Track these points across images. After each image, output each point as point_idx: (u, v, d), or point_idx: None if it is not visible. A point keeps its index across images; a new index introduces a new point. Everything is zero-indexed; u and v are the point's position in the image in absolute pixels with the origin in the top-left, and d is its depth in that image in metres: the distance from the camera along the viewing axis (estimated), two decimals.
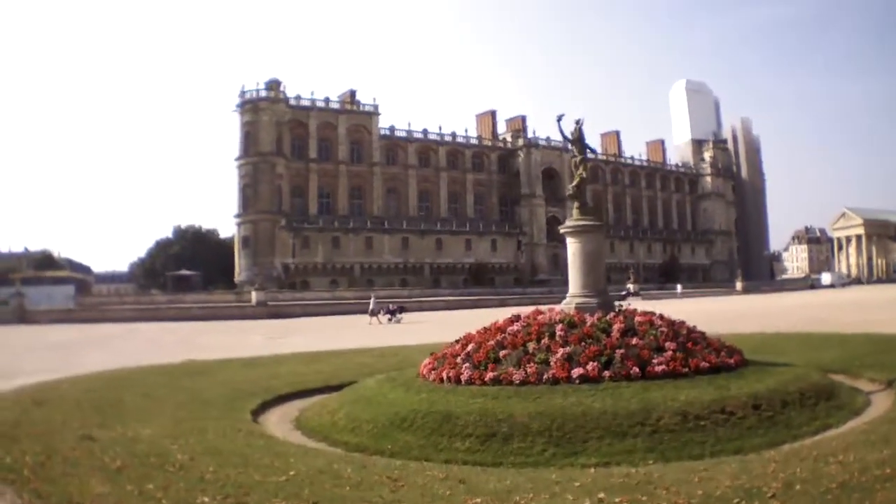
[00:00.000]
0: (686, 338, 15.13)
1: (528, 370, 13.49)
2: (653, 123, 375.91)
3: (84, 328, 54.91)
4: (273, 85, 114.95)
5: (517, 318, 16.54)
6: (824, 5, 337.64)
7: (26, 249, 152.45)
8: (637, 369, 13.39)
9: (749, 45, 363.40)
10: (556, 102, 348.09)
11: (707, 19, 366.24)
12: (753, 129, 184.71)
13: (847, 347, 21.92)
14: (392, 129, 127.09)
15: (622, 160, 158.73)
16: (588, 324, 15.11)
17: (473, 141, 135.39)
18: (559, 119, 18.44)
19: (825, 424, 12.44)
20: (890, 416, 12.55)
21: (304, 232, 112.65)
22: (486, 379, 13.70)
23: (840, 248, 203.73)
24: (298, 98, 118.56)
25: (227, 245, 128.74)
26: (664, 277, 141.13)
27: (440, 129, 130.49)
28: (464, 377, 14.02)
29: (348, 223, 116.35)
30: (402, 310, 58.62)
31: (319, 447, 12.21)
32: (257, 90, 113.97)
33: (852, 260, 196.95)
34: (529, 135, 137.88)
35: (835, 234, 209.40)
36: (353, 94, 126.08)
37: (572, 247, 17.70)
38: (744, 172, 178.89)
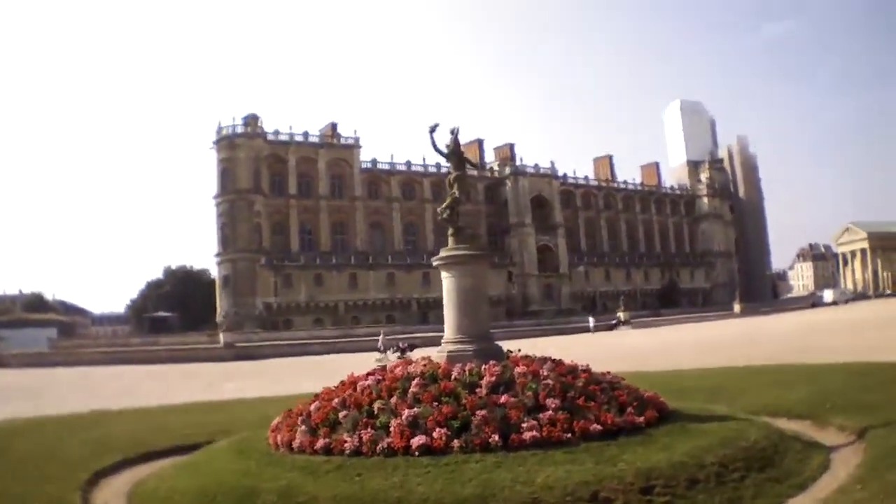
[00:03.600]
0: (580, 392, 11.93)
1: (363, 437, 10.95)
2: (647, 147, 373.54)
3: (41, 372, 53.52)
4: (251, 120, 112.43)
5: (382, 368, 14.10)
6: (820, 22, 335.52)
7: (20, 291, 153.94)
8: (497, 437, 10.45)
9: (745, 64, 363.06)
10: (546, 128, 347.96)
11: (701, 39, 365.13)
12: (750, 146, 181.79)
13: (820, 383, 18.38)
14: (374, 161, 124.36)
15: (615, 185, 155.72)
16: (452, 377, 12.37)
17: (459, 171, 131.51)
18: (432, 130, 15.36)
19: None
20: (846, 492, 9.07)
21: (285, 270, 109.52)
22: (316, 447, 11.31)
23: (845, 263, 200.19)
24: (277, 133, 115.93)
25: (215, 285, 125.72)
26: (663, 303, 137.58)
27: (424, 160, 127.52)
28: (295, 443, 11.74)
29: (331, 260, 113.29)
30: (412, 347, 55.05)
31: None
32: (233, 126, 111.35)
33: (858, 275, 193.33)
34: (519, 162, 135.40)
35: (839, 250, 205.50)
36: (334, 126, 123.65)
37: (446, 282, 14.74)
38: (742, 192, 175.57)
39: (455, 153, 15.45)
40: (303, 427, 12.03)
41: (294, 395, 24.48)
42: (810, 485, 9.80)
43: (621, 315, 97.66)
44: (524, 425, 10.65)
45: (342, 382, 13.84)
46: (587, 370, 13.48)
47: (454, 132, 15.41)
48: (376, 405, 11.84)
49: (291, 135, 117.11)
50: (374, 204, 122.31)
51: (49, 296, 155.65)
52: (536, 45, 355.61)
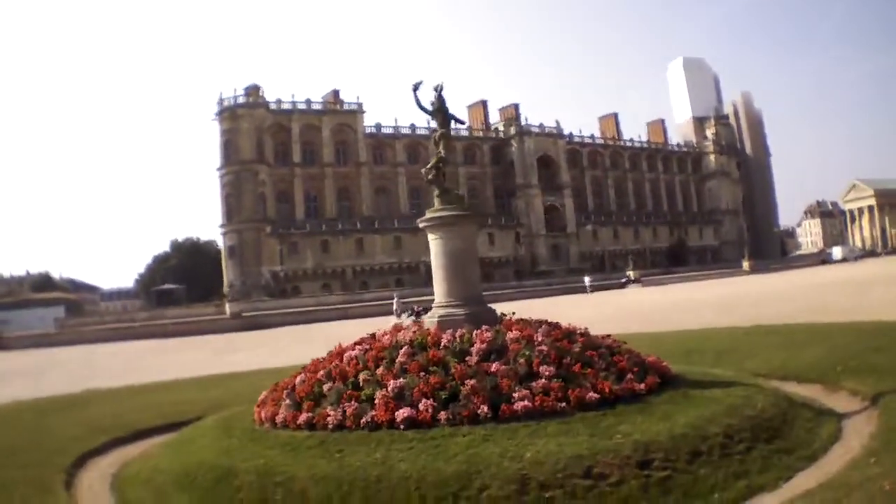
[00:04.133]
0: (577, 358, 11.28)
1: (347, 410, 10.48)
2: (653, 104, 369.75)
3: (47, 352, 53.29)
4: (252, 90, 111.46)
5: (371, 337, 13.52)
6: None
7: (27, 272, 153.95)
8: (486, 408, 9.92)
9: (748, 19, 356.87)
10: (551, 87, 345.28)
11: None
12: (755, 103, 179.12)
13: (831, 344, 17.60)
14: (378, 126, 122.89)
15: (621, 143, 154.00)
16: (442, 345, 11.77)
17: (464, 133, 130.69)
18: (416, 88, 14.70)
19: (750, 489, 8.20)
20: (858, 467, 8.45)
21: (291, 238, 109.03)
22: (299, 422, 10.88)
23: (853, 220, 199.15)
24: (279, 102, 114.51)
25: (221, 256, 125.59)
26: (672, 261, 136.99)
27: (428, 122, 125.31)
28: (279, 418, 11.27)
29: (337, 226, 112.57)
30: (426, 310, 54.83)
31: None
32: (235, 97, 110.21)
33: (866, 232, 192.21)
34: (524, 122, 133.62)
35: (846, 207, 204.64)
36: (336, 93, 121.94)
37: (433, 245, 14.13)
38: (748, 148, 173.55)
39: (440, 110, 14.75)
40: (287, 401, 11.55)
41: (292, 366, 24.07)
42: (821, 457, 9.24)
43: (631, 273, 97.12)
44: (515, 395, 10.10)
45: (330, 353, 13.32)
46: (585, 334, 12.86)
47: (438, 89, 14.74)
48: (361, 376, 11.31)
49: (294, 103, 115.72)
50: (380, 169, 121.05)
51: (57, 275, 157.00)
52: (540, 4, 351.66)
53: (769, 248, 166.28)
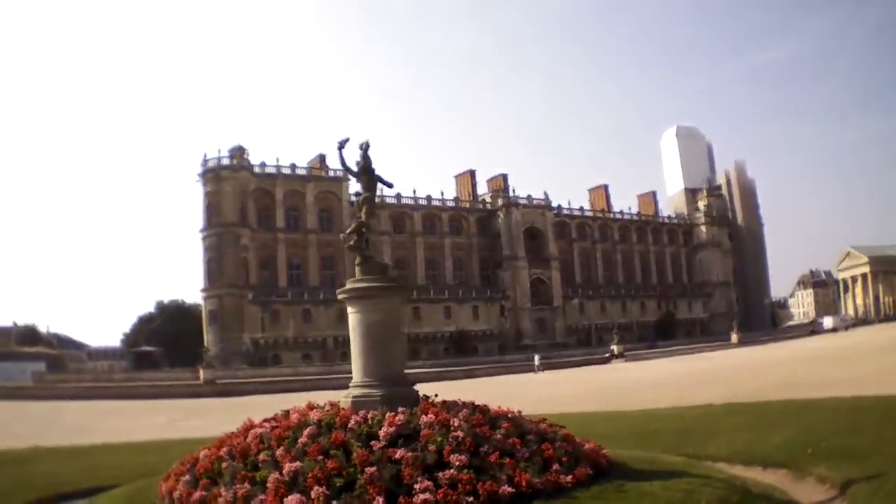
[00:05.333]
0: (497, 446, 10.15)
1: (238, 493, 9.57)
2: (645, 175, 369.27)
3: (17, 405, 52.56)
4: (237, 152, 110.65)
5: (285, 414, 12.58)
6: (819, 49, 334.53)
7: (14, 323, 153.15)
8: (382, 499, 8.88)
9: (744, 91, 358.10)
10: (541, 158, 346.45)
11: (699, 65, 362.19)
12: (749, 171, 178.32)
13: (804, 424, 16.65)
14: None
15: (611, 215, 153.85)
16: (348, 426, 10.81)
17: (451, 203, 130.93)
18: (342, 146, 14.03)
19: None
20: None
21: (272, 305, 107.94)
22: (192, 499, 10.11)
23: (846, 289, 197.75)
24: (263, 165, 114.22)
25: None
26: (660, 335, 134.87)
27: (414, 192, 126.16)
28: (175, 494, 10.61)
29: (319, 295, 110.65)
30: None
31: None
32: (219, 158, 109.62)
33: (859, 300, 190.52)
34: (512, 193, 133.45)
35: (840, 276, 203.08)
36: (322, 158, 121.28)
37: (351, 319, 13.32)
38: (740, 218, 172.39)
39: (365, 171, 14.15)
40: (187, 476, 10.85)
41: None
42: None
43: (615, 348, 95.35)
44: (417, 486, 8.97)
45: (239, 428, 12.53)
46: (513, 419, 11.66)
47: (363, 147, 14.14)
48: (261, 456, 10.42)
49: (278, 167, 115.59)
50: None
51: (44, 329, 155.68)
52: (531, 75, 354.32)
53: (760, 320, 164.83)
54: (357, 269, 13.54)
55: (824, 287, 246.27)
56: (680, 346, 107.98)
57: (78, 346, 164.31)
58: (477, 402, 12.45)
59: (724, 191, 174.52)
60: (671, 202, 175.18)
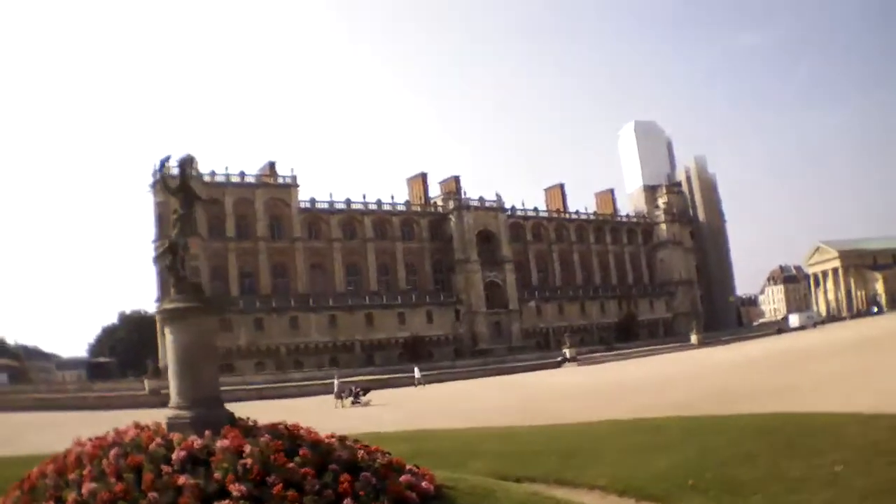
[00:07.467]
0: (285, 475, 9.42)
1: None
2: (604, 173, 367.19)
3: None
4: (186, 161, 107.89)
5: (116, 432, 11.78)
6: (784, 38, 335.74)
7: None
8: None
9: (702, 82, 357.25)
10: (495, 159, 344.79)
11: (656, 57, 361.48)
12: (709, 167, 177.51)
13: (701, 447, 15.75)
14: (313, 201, 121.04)
15: (567, 216, 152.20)
16: (150, 448, 10.39)
17: (402, 207, 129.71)
18: (162, 164, 14.60)
19: None
20: None
21: (225, 315, 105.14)
22: None
23: (818, 284, 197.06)
24: (213, 174, 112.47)
25: None
26: (621, 336, 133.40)
27: (364, 197, 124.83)
28: None
29: (271, 303, 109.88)
30: (366, 391, 54.78)
31: None
32: (169, 168, 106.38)
33: (830, 295, 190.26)
34: (464, 196, 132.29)
35: (810, 270, 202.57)
36: (272, 165, 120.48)
37: (168, 339, 12.86)
38: (701, 215, 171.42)
39: (182, 189, 13.85)
40: (17, 493, 10.45)
41: None
42: None
43: (567, 352, 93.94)
44: None
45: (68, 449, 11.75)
46: (318, 444, 10.75)
47: (183, 163, 14.10)
48: (72, 475, 10.06)
49: (227, 175, 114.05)
50: (315, 245, 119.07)
51: (11, 340, 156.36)
52: (481, 72, 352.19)
53: (725, 319, 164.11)
54: (171, 289, 12.92)
55: (795, 282, 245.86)
56: (638, 349, 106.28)
57: (46, 357, 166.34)
58: (300, 425, 11.76)
59: (685, 187, 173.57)
60: (630, 200, 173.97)
